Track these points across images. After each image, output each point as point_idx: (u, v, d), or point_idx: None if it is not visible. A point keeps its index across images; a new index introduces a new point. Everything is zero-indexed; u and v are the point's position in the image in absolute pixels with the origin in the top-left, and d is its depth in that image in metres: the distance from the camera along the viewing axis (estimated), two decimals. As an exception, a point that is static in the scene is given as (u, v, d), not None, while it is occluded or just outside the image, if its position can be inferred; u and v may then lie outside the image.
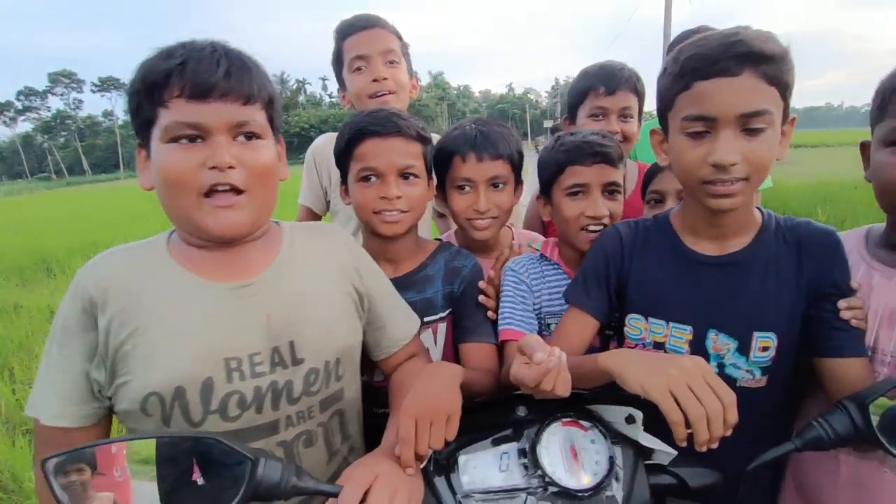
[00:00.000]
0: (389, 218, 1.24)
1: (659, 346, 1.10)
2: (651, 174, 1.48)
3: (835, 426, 0.72)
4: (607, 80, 1.70)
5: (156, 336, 0.86)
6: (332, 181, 1.89)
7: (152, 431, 0.76)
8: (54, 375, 0.88)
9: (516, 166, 1.41)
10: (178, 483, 0.64)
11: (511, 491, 0.83)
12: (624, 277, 1.15)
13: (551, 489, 0.81)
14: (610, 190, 1.29)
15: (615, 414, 0.90)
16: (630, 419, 0.87)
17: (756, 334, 1.03)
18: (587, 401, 0.92)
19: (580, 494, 0.81)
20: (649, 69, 1.83)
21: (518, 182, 1.44)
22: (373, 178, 1.24)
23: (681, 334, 1.08)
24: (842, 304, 0.99)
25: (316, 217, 1.99)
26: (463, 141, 1.36)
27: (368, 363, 1.18)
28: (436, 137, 1.48)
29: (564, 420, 0.89)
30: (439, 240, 1.49)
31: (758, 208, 1.10)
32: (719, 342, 1.05)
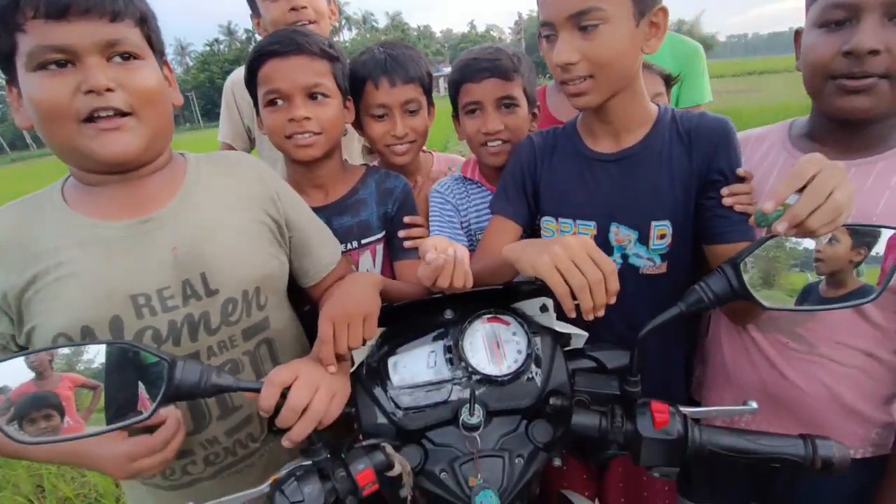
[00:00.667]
0: (302, 141, 1.21)
1: None
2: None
3: (713, 288, 0.79)
4: None
5: (55, 278, 0.85)
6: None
7: (47, 333, 0.78)
8: None
9: (427, 89, 1.41)
10: (107, 389, 0.67)
11: (438, 383, 0.89)
12: (537, 182, 1.21)
13: (475, 377, 0.88)
14: (506, 104, 1.32)
15: (532, 307, 0.96)
16: (543, 308, 0.94)
17: (653, 223, 1.10)
18: (509, 298, 0.98)
19: (501, 379, 0.87)
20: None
21: (430, 104, 1.45)
22: (279, 102, 1.20)
23: (586, 230, 1.14)
24: (724, 191, 1.04)
25: None
26: (373, 66, 1.34)
27: None
28: None
29: (487, 317, 0.94)
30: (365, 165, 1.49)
31: (655, 103, 1.15)
32: (621, 234, 1.12)
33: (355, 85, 1.36)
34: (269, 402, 0.74)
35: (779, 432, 0.77)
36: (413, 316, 0.99)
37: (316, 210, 1.21)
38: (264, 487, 0.74)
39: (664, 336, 1.02)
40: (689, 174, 1.08)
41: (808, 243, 0.81)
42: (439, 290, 0.90)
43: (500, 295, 0.97)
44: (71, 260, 0.86)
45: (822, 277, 0.82)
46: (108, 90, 0.81)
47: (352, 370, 0.91)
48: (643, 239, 1.11)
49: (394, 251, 1.33)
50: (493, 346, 0.92)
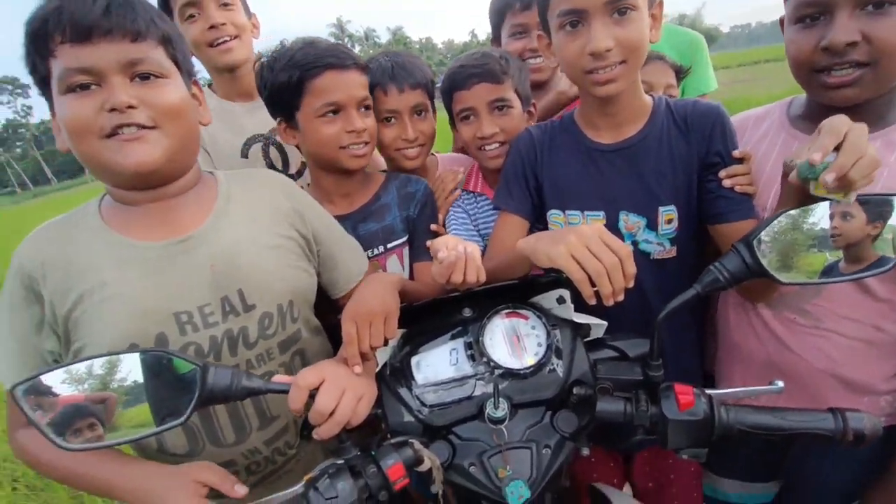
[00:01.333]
0: (358, 151, 1.25)
1: None
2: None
3: (728, 267, 0.79)
4: None
5: (100, 300, 0.87)
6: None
7: (95, 352, 0.80)
8: (9, 343, 0.90)
9: (431, 94, 1.45)
10: (136, 398, 0.70)
11: (461, 379, 0.90)
12: (539, 175, 1.22)
13: (497, 372, 0.89)
14: (498, 106, 1.34)
15: (550, 300, 0.97)
16: (561, 300, 0.95)
17: (660, 209, 1.12)
18: (526, 293, 0.99)
19: (523, 372, 0.88)
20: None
21: (433, 110, 1.48)
22: (335, 113, 1.23)
23: (595, 221, 1.15)
24: (722, 173, 1.07)
25: None
26: (381, 74, 1.37)
27: None
28: None
29: (506, 312, 0.95)
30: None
31: (649, 94, 1.17)
32: (630, 221, 1.14)
33: None
34: (298, 404, 0.76)
35: (802, 407, 0.77)
36: (432, 315, 1.01)
37: (342, 218, 1.24)
38: (299, 487, 0.75)
39: (677, 317, 1.02)
40: (689, 158, 1.10)
41: (822, 218, 0.81)
42: (453, 286, 0.91)
43: (517, 290, 0.99)
44: (113, 280, 0.88)
45: (840, 253, 0.82)
46: (131, 107, 0.83)
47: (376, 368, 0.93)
48: (652, 225, 1.13)
49: (414, 252, 1.35)
50: (514, 341, 0.93)
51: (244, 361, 0.98)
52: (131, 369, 0.69)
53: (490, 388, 0.86)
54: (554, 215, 1.21)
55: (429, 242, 1.01)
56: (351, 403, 0.79)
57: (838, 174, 0.75)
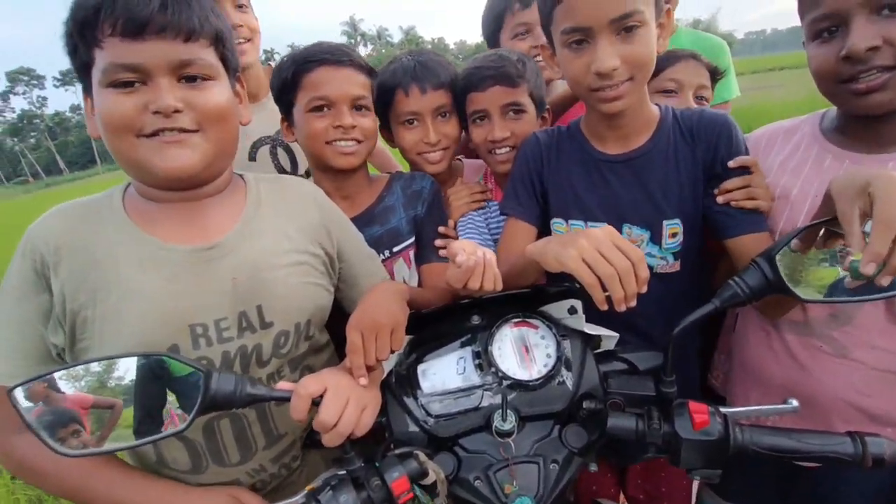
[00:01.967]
0: (345, 149, 1.23)
1: None
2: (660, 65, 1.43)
3: (748, 282, 0.77)
4: None
5: (116, 301, 0.82)
6: None
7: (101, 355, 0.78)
8: (9, 335, 0.84)
9: (455, 94, 1.40)
10: (139, 401, 0.68)
11: (468, 389, 0.88)
12: (545, 182, 1.20)
13: (505, 383, 0.87)
14: (513, 110, 1.32)
15: (561, 310, 0.95)
16: (572, 310, 0.93)
17: (665, 222, 1.09)
18: (536, 302, 0.97)
19: (532, 384, 0.86)
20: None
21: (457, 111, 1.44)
22: (325, 109, 1.22)
23: None
24: (716, 191, 1.05)
25: None
26: (403, 74, 1.34)
27: None
28: None
29: (515, 321, 0.93)
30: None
31: (656, 104, 1.14)
32: (633, 234, 1.11)
33: (384, 95, 1.36)
34: (300, 413, 0.74)
35: (822, 430, 0.75)
36: (440, 322, 0.99)
37: None
38: (300, 498, 0.74)
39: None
40: (695, 171, 1.08)
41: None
42: (469, 292, 0.89)
43: (527, 298, 0.97)
44: (132, 279, 0.84)
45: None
46: (176, 111, 0.80)
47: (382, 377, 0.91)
48: (655, 238, 1.11)
49: (421, 253, 1.32)
50: (523, 351, 0.91)
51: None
52: (131, 372, 0.68)
53: (498, 399, 0.85)
54: (557, 224, 1.19)
55: (445, 247, 0.98)
56: (355, 414, 0.77)
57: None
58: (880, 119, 0.97)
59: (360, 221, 1.26)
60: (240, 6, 1.65)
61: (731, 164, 1.05)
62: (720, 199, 1.05)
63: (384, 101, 1.37)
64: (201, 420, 0.77)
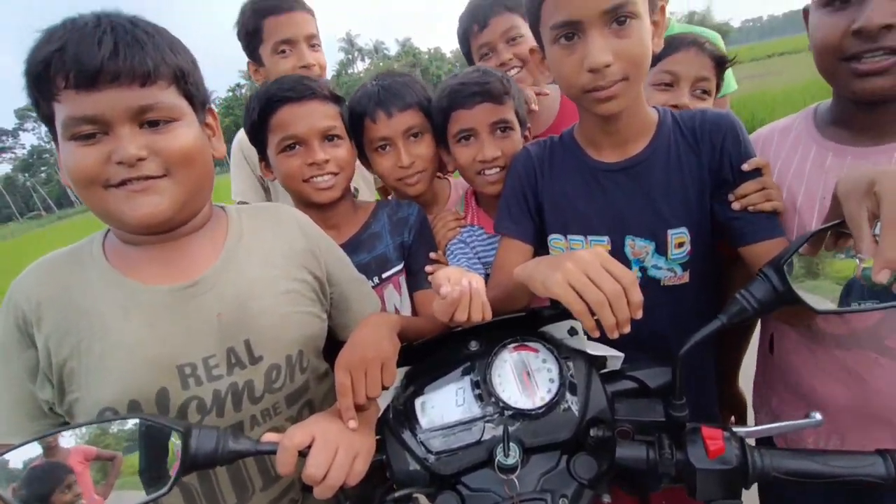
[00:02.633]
0: (322, 184, 1.21)
1: None
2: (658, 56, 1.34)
3: (756, 295, 0.72)
4: (476, 16, 1.63)
5: (101, 350, 0.81)
6: None
7: (76, 422, 0.75)
8: (1, 393, 0.84)
9: (429, 113, 1.37)
10: (117, 461, 0.65)
11: (469, 422, 0.84)
12: (539, 196, 1.15)
13: (507, 413, 0.83)
14: (501, 128, 1.27)
15: (561, 330, 0.90)
16: (572, 331, 0.88)
17: (670, 232, 1.04)
18: (535, 324, 0.93)
19: (535, 412, 0.82)
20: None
21: (433, 131, 1.41)
22: (296, 146, 1.20)
23: (599, 246, 1.08)
24: (730, 197, 0.99)
25: None
26: (367, 101, 1.32)
27: None
28: None
29: (514, 345, 0.89)
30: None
31: (654, 107, 1.09)
32: (637, 246, 1.06)
33: (355, 123, 1.35)
34: (286, 468, 0.70)
35: (858, 450, 0.69)
36: (436, 350, 0.95)
37: None
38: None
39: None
40: (700, 175, 1.02)
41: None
42: (457, 324, 0.85)
43: (525, 321, 0.92)
44: (116, 327, 0.82)
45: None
46: (140, 159, 0.78)
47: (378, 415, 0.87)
48: (660, 249, 1.05)
49: (413, 281, 1.29)
50: (524, 377, 0.87)
51: (249, 417, 0.91)
52: (117, 435, 0.65)
53: (500, 431, 0.80)
54: (555, 240, 1.14)
55: (430, 276, 0.95)
56: (345, 463, 0.73)
57: None
58: (879, 107, 0.92)
59: (347, 249, 1.24)
60: (313, 45, 1.77)
61: (744, 167, 0.99)
62: (737, 206, 0.99)
63: (356, 131, 1.35)
64: None
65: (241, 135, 1.92)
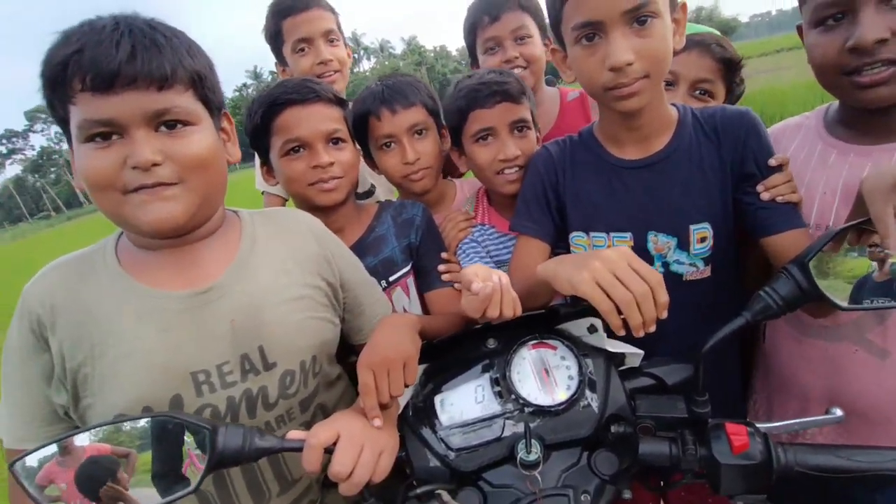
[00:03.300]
0: (327, 186, 1.21)
1: None
2: None
3: (780, 292, 0.72)
4: (488, 8, 1.62)
5: (114, 356, 0.81)
6: None
7: (104, 410, 0.75)
8: (17, 397, 0.84)
9: (433, 112, 1.38)
10: (145, 465, 0.66)
11: (489, 419, 0.84)
12: (561, 195, 1.15)
13: (527, 410, 0.83)
14: (519, 127, 1.28)
15: (580, 328, 0.90)
16: (592, 329, 0.88)
17: (692, 227, 1.04)
18: (552, 321, 0.93)
19: (555, 409, 0.82)
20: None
21: (441, 127, 1.42)
22: (300, 150, 1.20)
23: (622, 242, 1.08)
24: (759, 187, 0.99)
25: (284, 202, 1.90)
26: (372, 100, 1.33)
27: None
28: None
29: (532, 343, 0.89)
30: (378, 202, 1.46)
31: (673, 104, 1.09)
32: (659, 242, 1.06)
33: (359, 125, 1.35)
34: (313, 465, 0.71)
35: (869, 445, 0.69)
36: (454, 348, 0.95)
37: None
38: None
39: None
40: (721, 171, 1.03)
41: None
42: (486, 320, 0.85)
43: (544, 318, 0.92)
44: (129, 333, 0.82)
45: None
46: (155, 164, 0.77)
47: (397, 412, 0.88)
48: (683, 244, 1.06)
49: (424, 282, 1.29)
50: (543, 374, 0.87)
51: (263, 423, 0.91)
52: (139, 433, 0.65)
53: (520, 428, 0.80)
54: (577, 238, 1.14)
55: (445, 275, 0.94)
56: (370, 461, 0.73)
57: None
58: (884, 110, 0.93)
59: (353, 252, 1.24)
60: (331, 41, 1.79)
61: (771, 161, 1.00)
62: (766, 196, 0.99)
63: (361, 131, 1.35)
64: None
65: None
